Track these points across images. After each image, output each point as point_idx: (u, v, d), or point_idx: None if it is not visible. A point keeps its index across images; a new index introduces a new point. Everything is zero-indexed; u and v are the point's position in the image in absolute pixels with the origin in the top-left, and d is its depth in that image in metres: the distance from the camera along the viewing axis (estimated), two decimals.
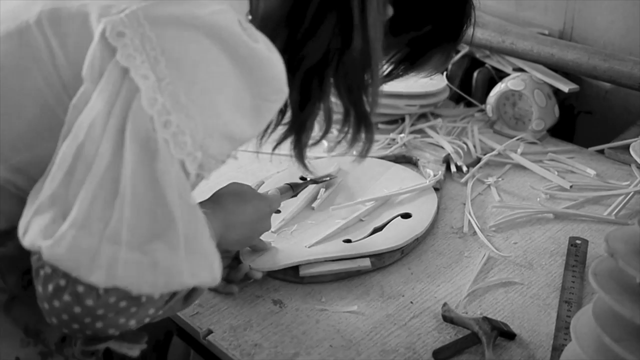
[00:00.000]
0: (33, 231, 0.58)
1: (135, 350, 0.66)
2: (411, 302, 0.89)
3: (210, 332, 0.85)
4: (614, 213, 1.04)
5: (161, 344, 1.41)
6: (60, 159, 0.59)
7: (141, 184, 0.58)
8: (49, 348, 0.72)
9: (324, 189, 1.07)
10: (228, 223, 0.80)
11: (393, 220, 1.01)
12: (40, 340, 0.71)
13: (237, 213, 0.83)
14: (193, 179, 0.62)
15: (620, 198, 1.07)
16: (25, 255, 0.67)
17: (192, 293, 0.70)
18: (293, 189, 0.99)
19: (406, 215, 1.02)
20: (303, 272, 0.91)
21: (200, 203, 0.74)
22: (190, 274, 0.60)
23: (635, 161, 1.12)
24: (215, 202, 0.81)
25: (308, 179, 1.05)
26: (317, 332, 0.85)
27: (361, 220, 1.02)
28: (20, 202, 0.63)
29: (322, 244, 0.96)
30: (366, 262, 0.93)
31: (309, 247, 0.95)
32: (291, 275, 0.92)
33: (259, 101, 0.64)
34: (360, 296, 0.90)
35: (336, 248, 0.95)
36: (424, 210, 1.03)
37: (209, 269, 0.62)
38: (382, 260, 0.94)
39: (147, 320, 0.63)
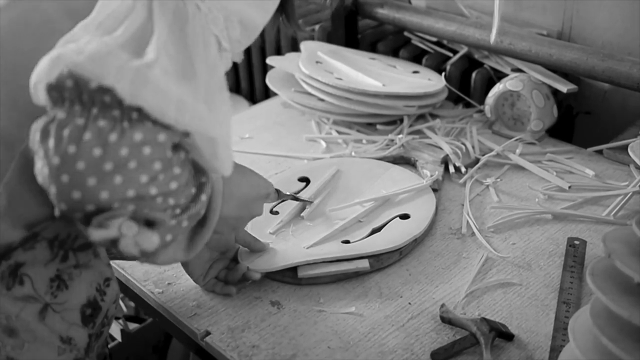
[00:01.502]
0: (58, 50, 0.55)
1: (154, 238, 0.58)
2: (409, 303, 0.89)
3: (208, 333, 0.85)
4: (612, 214, 1.04)
5: (161, 346, 1.41)
6: (93, 15, 0.59)
7: (172, 44, 0.57)
8: (80, 353, 0.73)
9: (313, 201, 1.05)
10: (225, 194, 0.77)
11: (391, 221, 1.01)
12: (73, 347, 0.72)
13: (234, 184, 0.80)
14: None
15: (619, 198, 1.06)
16: (53, 257, 0.69)
17: (195, 236, 0.69)
18: (279, 195, 0.95)
19: (405, 216, 1.02)
20: (301, 273, 0.91)
21: None
22: (211, 123, 0.58)
23: (634, 161, 1.11)
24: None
25: (289, 193, 1.01)
26: (315, 333, 0.85)
27: (359, 221, 1.02)
28: (44, 199, 0.60)
29: (320, 245, 0.96)
30: (364, 264, 0.93)
31: (307, 248, 0.95)
32: (289, 276, 0.92)
33: None
34: (359, 297, 0.90)
35: (335, 249, 0.95)
36: (422, 211, 1.03)
37: (224, 129, 0.61)
38: (381, 262, 0.94)
39: (170, 202, 0.59)
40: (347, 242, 0.97)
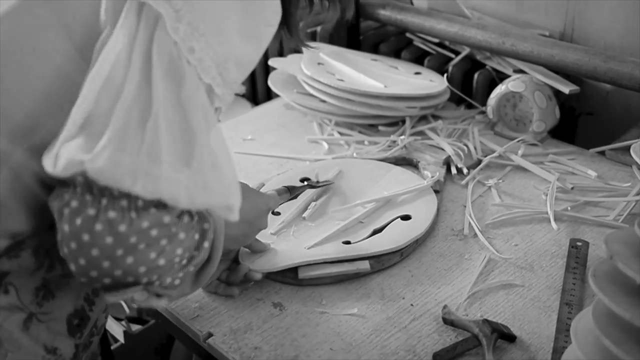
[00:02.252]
0: (68, 151, 0.58)
1: (162, 301, 0.66)
2: (411, 305, 0.89)
3: (210, 335, 0.85)
4: (617, 218, 1.04)
5: (163, 348, 1.41)
6: (86, 90, 0.60)
7: (170, 108, 0.59)
8: None
9: (314, 202, 1.05)
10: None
11: (393, 222, 1.01)
12: (58, 357, 0.71)
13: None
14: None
15: (624, 204, 1.06)
16: (38, 266, 0.68)
17: (202, 271, 0.71)
18: (290, 192, 0.99)
19: (406, 217, 1.02)
20: (302, 274, 0.91)
21: None
22: (222, 194, 0.62)
23: (636, 162, 1.11)
24: None
25: (306, 183, 1.05)
26: (317, 335, 0.85)
27: (361, 222, 1.02)
28: (33, 199, 0.64)
29: (321, 246, 0.96)
30: (365, 265, 0.93)
31: (308, 249, 0.95)
32: (290, 277, 0.92)
33: (261, 26, 0.67)
34: (361, 299, 0.90)
35: (336, 250, 0.95)
36: (423, 212, 1.03)
37: (235, 195, 0.64)
38: (381, 263, 0.94)
39: (176, 261, 0.63)
40: (348, 242, 0.97)
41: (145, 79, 0.59)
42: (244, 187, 0.86)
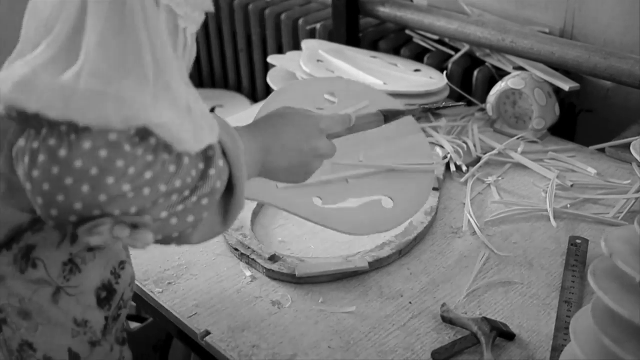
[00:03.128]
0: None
1: (143, 239, 0.58)
2: (410, 303, 0.89)
3: (208, 333, 0.85)
4: (616, 215, 1.03)
5: (162, 346, 1.41)
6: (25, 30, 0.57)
7: (111, 35, 0.54)
8: (96, 336, 0.73)
9: None
10: (266, 146, 0.74)
11: (373, 200, 0.94)
12: (88, 329, 0.72)
13: (277, 134, 0.75)
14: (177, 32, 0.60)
15: (624, 202, 1.06)
16: (62, 238, 0.69)
17: (229, 207, 0.66)
18: (387, 118, 0.86)
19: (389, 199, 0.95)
20: (300, 272, 0.91)
21: (237, 129, 0.70)
22: (157, 110, 0.55)
23: (637, 160, 1.11)
24: (253, 126, 0.76)
25: (420, 105, 0.90)
26: (315, 333, 0.84)
27: (346, 181, 0.95)
28: None
29: (292, 190, 0.89)
30: (363, 263, 0.93)
31: (278, 188, 0.89)
32: (288, 276, 0.92)
33: None
34: (359, 297, 0.90)
35: (304, 205, 0.89)
36: (408, 203, 0.95)
37: (183, 114, 0.58)
38: (380, 261, 0.94)
39: (162, 190, 0.57)
40: (319, 199, 0.91)
41: (82, 9, 0.55)
42: (291, 112, 0.79)
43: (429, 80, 1.31)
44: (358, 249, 0.97)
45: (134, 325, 1.37)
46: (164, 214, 0.58)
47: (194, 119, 0.59)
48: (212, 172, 0.61)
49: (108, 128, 0.54)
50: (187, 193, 0.60)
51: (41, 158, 0.54)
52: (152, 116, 0.55)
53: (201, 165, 0.61)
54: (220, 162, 0.63)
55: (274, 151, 0.74)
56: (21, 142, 0.55)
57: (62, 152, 0.53)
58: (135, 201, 0.56)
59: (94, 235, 0.56)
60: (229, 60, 1.89)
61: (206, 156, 0.62)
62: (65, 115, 0.53)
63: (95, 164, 0.54)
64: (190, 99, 0.59)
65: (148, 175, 0.56)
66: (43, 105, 0.53)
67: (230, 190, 0.65)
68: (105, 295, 0.74)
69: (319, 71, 1.28)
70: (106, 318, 0.74)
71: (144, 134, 0.56)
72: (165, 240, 0.62)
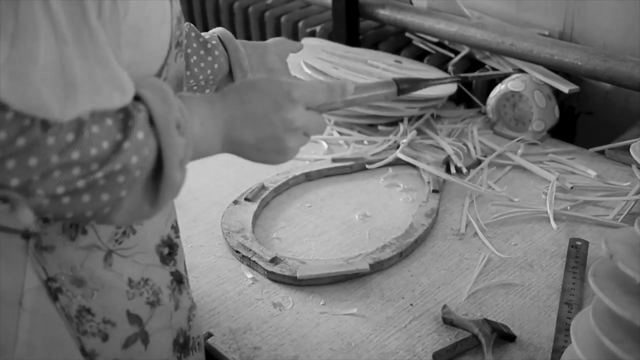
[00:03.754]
0: None
1: (24, 215, 0.53)
2: (411, 305, 0.89)
3: (210, 335, 0.85)
4: (616, 217, 1.04)
5: None
6: None
7: None
8: (157, 296, 0.70)
9: None
10: (229, 117, 0.65)
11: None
12: (147, 289, 0.69)
13: (241, 104, 0.66)
14: None
15: (623, 204, 1.06)
16: None
17: (159, 187, 0.58)
18: (400, 87, 0.73)
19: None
20: (301, 274, 0.91)
21: (193, 98, 0.64)
22: (9, 74, 0.48)
23: (636, 162, 1.11)
24: (217, 95, 0.67)
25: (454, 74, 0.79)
26: (317, 335, 0.85)
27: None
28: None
29: None
30: (364, 265, 0.93)
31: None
32: (289, 278, 0.92)
33: None
34: (360, 299, 0.90)
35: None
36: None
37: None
38: (381, 263, 0.94)
39: (33, 162, 0.50)
40: None
41: None
42: (262, 79, 0.68)
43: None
44: (359, 250, 0.97)
45: None
46: (59, 189, 0.52)
47: (65, 82, 0.51)
48: (127, 144, 0.54)
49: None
50: (94, 167, 0.53)
51: None
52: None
53: (118, 136, 0.54)
54: (140, 134, 0.55)
55: (237, 122, 0.65)
56: None
57: None
58: (15, 172, 0.50)
59: None
60: None
61: (125, 126, 0.55)
62: None
63: None
64: (72, 56, 0.51)
65: (21, 141, 0.49)
66: None
67: (157, 170, 0.58)
68: (168, 251, 0.71)
69: (321, 64, 1.27)
70: (172, 273, 0.72)
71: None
72: (78, 219, 0.56)
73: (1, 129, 0.49)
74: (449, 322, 0.85)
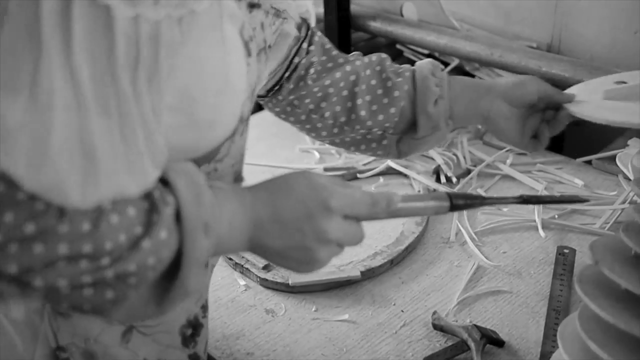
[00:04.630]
0: None
1: (18, 309, 0.49)
2: (402, 311, 0.90)
3: None
4: (603, 225, 1.05)
5: None
6: None
7: None
8: None
9: None
10: (257, 218, 0.57)
11: None
12: None
13: (272, 205, 0.57)
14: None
15: (610, 213, 1.08)
16: None
17: (170, 290, 0.52)
18: (453, 203, 0.62)
19: None
20: (294, 281, 0.92)
21: (224, 190, 0.56)
22: (14, 150, 0.42)
23: (622, 171, 1.13)
24: (248, 190, 0.59)
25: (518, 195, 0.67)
26: (309, 340, 0.86)
27: None
28: None
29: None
30: (356, 272, 0.94)
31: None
32: (282, 284, 0.93)
33: None
34: (352, 305, 0.91)
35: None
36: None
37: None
38: (372, 270, 0.96)
39: (61, 253, 0.45)
40: None
41: None
42: (301, 180, 0.59)
43: None
44: (350, 258, 0.98)
45: None
46: (61, 282, 0.46)
47: (87, 164, 0.45)
48: (146, 244, 0.48)
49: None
50: (105, 262, 0.46)
51: None
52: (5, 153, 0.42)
53: (138, 230, 0.48)
54: (163, 234, 0.49)
55: (266, 226, 0.57)
56: None
57: None
58: (16, 258, 0.44)
59: None
60: None
61: (148, 220, 0.48)
62: None
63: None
64: (101, 139, 0.45)
65: (30, 228, 0.43)
66: None
67: (177, 265, 0.51)
68: (191, 332, 0.66)
69: None
70: (190, 356, 0.67)
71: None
72: (75, 309, 0.50)
73: (9, 210, 0.43)
74: (439, 328, 0.86)
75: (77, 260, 0.45)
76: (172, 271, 0.51)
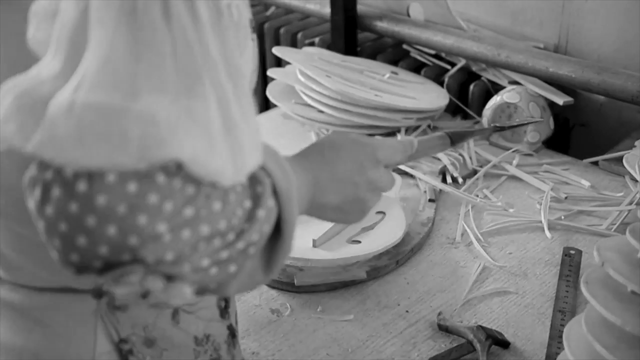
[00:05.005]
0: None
1: (179, 293, 0.48)
2: (407, 311, 0.90)
3: None
4: (609, 227, 1.05)
5: None
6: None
7: (122, 40, 0.44)
8: (217, 352, 0.68)
9: None
10: (315, 180, 0.63)
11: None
12: (209, 345, 0.67)
13: (328, 165, 0.64)
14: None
15: (617, 214, 1.07)
16: None
17: (273, 252, 0.55)
18: (453, 140, 0.78)
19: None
20: (299, 281, 0.93)
21: (285, 159, 0.59)
22: (182, 138, 0.43)
23: (629, 173, 1.13)
24: (301, 156, 0.65)
25: (495, 125, 0.86)
26: (314, 340, 0.86)
27: None
28: None
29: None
30: (361, 272, 0.94)
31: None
32: (287, 284, 0.93)
33: None
34: (357, 305, 0.91)
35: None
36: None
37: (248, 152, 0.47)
38: (377, 271, 0.96)
39: (204, 233, 0.46)
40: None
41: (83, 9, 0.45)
42: (345, 138, 0.67)
43: (431, 97, 1.33)
44: (356, 258, 0.98)
45: None
46: (205, 262, 0.48)
47: (234, 140, 0.47)
48: (261, 213, 0.51)
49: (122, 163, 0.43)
50: (231, 237, 0.49)
51: (55, 192, 0.43)
52: (174, 148, 0.44)
53: (247, 204, 0.50)
54: (270, 202, 0.52)
55: (325, 185, 0.63)
56: (32, 169, 0.45)
57: (81, 186, 0.43)
58: (172, 245, 0.45)
59: (120, 285, 0.47)
60: None
61: (254, 193, 0.51)
62: (79, 141, 0.42)
63: (122, 199, 0.43)
64: (237, 114, 0.48)
65: (188, 212, 0.45)
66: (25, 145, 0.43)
67: (276, 232, 0.54)
68: (225, 304, 0.69)
69: (318, 75, 1.29)
70: (228, 327, 0.69)
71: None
72: (199, 292, 0.51)
73: (169, 199, 0.44)
74: (444, 328, 0.86)
75: (213, 239, 0.47)
76: (273, 238, 0.54)
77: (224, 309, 0.70)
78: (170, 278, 0.47)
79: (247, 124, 0.49)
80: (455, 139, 0.78)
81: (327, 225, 0.97)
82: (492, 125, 0.87)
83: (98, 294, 0.57)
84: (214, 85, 0.46)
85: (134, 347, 0.61)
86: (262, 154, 0.52)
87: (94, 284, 0.49)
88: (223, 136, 0.46)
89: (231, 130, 0.47)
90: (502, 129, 0.90)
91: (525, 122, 1.01)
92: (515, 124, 0.96)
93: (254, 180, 0.52)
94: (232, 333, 0.71)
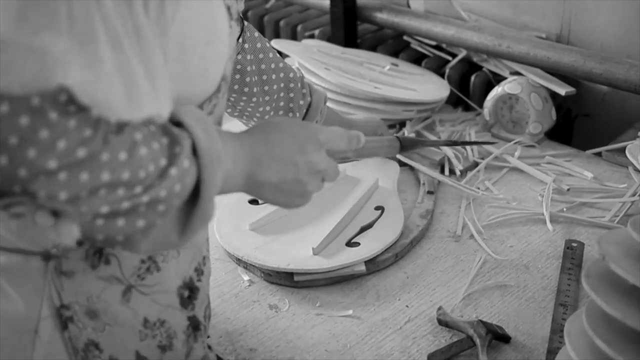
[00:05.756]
0: None
1: (68, 232, 0.50)
2: (406, 306, 0.89)
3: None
4: (612, 219, 1.04)
5: None
6: None
7: None
8: (170, 341, 0.68)
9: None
10: (255, 156, 0.64)
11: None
12: (161, 332, 0.67)
13: (268, 143, 0.66)
14: None
15: (620, 205, 1.06)
16: None
17: (190, 217, 0.57)
18: (403, 144, 0.79)
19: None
20: (298, 277, 0.92)
21: (223, 133, 0.62)
22: (80, 67, 0.46)
23: (632, 164, 1.12)
24: (244, 133, 0.66)
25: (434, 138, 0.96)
26: (312, 336, 0.85)
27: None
28: None
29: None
30: (361, 267, 0.93)
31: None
32: (286, 279, 0.92)
33: None
34: (356, 300, 0.90)
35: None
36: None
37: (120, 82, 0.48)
38: (377, 264, 0.95)
39: (104, 180, 0.49)
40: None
41: None
42: (289, 120, 0.70)
43: (429, 87, 1.31)
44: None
45: None
46: (104, 209, 0.50)
47: (127, 77, 0.49)
48: (173, 171, 0.53)
49: (20, 89, 0.45)
50: (138, 190, 0.51)
51: None
52: (70, 75, 0.46)
53: (163, 162, 0.53)
54: (186, 162, 0.55)
55: (264, 162, 0.65)
56: None
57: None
58: (68, 185, 0.48)
59: (12, 217, 0.49)
60: None
61: (171, 152, 0.54)
62: None
63: (13, 131, 0.45)
64: (134, 58, 0.49)
65: (81, 153, 0.48)
66: None
67: (196, 196, 0.57)
68: (188, 294, 0.69)
69: (314, 64, 1.28)
70: (190, 318, 0.69)
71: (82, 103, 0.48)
72: (107, 242, 0.54)
73: (62, 137, 0.47)
74: (444, 323, 0.85)
75: (116, 187, 0.50)
76: (191, 203, 0.57)
77: (187, 298, 0.69)
78: (60, 217, 0.49)
79: (148, 71, 0.50)
80: (405, 145, 0.81)
81: (325, 232, 0.96)
82: (444, 139, 0.96)
83: (46, 256, 0.60)
84: (108, 30, 0.47)
85: (75, 315, 0.62)
86: (188, 117, 0.55)
87: (43, 247, 0.52)
88: (115, 72, 0.48)
89: (124, 68, 0.48)
90: (454, 143, 1.00)
91: (480, 142, 1.13)
92: (467, 141, 1.06)
93: (174, 140, 0.54)
94: (195, 325, 0.71)
